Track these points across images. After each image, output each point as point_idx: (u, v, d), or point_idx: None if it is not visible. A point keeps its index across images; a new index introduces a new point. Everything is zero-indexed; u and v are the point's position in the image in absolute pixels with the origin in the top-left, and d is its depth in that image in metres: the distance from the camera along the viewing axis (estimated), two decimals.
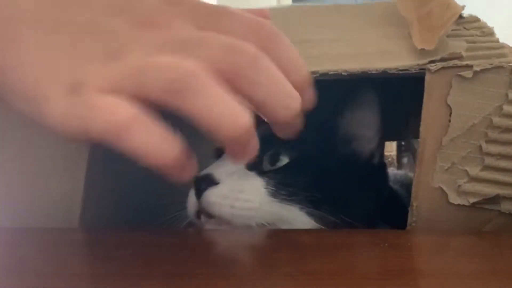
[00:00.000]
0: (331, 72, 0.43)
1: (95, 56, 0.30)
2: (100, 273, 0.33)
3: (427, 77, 0.43)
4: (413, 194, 0.44)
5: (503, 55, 0.42)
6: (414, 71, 0.43)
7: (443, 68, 0.42)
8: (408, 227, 0.44)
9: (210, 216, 0.46)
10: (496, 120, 0.42)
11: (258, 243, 0.41)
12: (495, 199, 0.43)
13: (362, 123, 0.50)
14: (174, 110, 0.29)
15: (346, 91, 0.49)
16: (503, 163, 0.42)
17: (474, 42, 0.43)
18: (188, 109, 0.29)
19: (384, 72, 0.43)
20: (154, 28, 0.31)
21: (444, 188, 0.43)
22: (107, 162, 0.48)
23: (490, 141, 0.42)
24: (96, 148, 0.46)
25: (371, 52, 0.43)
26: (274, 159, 0.48)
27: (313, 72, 0.43)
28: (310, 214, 0.46)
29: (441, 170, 0.43)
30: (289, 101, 0.31)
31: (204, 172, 0.47)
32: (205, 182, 0.46)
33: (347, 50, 0.44)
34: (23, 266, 0.34)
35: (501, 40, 0.43)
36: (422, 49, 0.42)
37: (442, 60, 0.42)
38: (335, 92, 0.48)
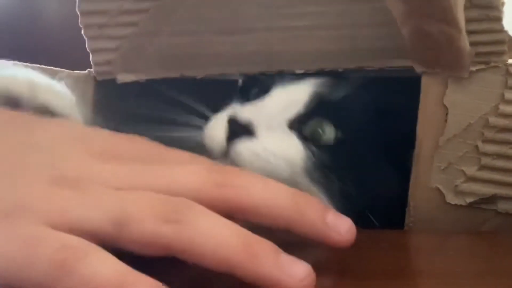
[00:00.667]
0: (327, 69, 0.44)
1: (41, 179, 0.25)
2: None
3: (424, 77, 0.43)
4: (410, 194, 0.44)
5: (501, 53, 0.41)
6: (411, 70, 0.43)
7: None
8: (405, 228, 0.44)
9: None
10: (493, 120, 0.42)
11: None
12: (492, 199, 0.43)
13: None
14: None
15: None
16: (499, 163, 0.42)
17: (476, 32, 0.41)
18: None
19: (381, 70, 0.43)
20: (111, 159, 0.28)
21: (441, 188, 0.43)
22: None
23: (487, 141, 0.42)
24: None
25: (366, 49, 0.43)
26: (318, 129, 0.44)
27: (309, 71, 0.43)
28: (331, 202, 0.43)
29: (437, 170, 0.43)
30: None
31: (243, 116, 0.43)
32: (242, 129, 0.43)
33: (340, 45, 0.43)
34: None
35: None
36: None
37: None
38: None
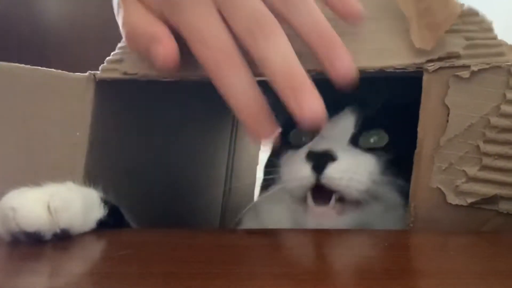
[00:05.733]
0: None
1: None
2: (100, 273, 0.33)
3: (425, 77, 0.43)
4: (411, 194, 0.44)
5: (501, 54, 0.42)
6: (412, 70, 0.43)
7: (440, 68, 0.42)
8: (406, 227, 0.44)
9: (320, 196, 0.48)
10: (494, 120, 0.42)
11: (258, 243, 0.41)
12: (493, 199, 0.43)
13: None
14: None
15: None
16: (501, 163, 0.42)
17: (472, 39, 0.42)
18: (257, 51, 0.37)
19: (381, 70, 0.43)
20: None
21: (442, 188, 0.43)
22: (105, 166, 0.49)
23: (488, 141, 0.42)
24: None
25: (370, 49, 0.43)
26: (370, 139, 0.51)
27: (311, 70, 0.43)
28: (402, 195, 0.48)
29: (438, 170, 0.43)
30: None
31: (320, 147, 0.49)
32: (324, 158, 0.48)
33: (347, 47, 0.44)
34: (23, 265, 0.34)
35: (500, 38, 0.43)
36: (420, 48, 0.42)
37: (440, 59, 0.42)
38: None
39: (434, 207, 0.43)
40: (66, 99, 0.47)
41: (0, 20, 0.91)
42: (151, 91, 0.51)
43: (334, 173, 0.48)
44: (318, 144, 0.50)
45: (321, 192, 0.49)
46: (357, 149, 0.51)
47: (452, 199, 0.43)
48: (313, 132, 0.52)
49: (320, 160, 0.48)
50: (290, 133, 0.56)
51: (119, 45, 0.48)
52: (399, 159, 0.49)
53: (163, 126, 0.58)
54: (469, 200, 0.43)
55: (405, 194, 0.47)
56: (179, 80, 0.46)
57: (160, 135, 0.58)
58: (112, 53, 0.48)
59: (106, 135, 0.49)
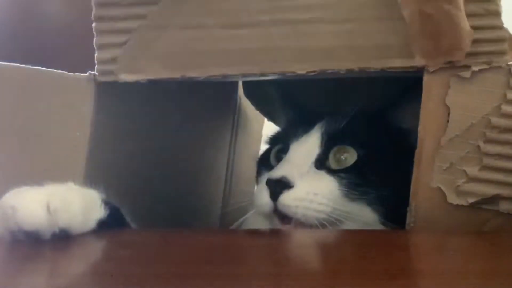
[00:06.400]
0: (330, 71, 0.43)
1: None
2: (100, 273, 0.33)
3: (426, 77, 0.43)
4: (411, 194, 0.44)
5: (502, 52, 0.41)
6: (412, 71, 0.43)
7: (441, 68, 0.42)
8: (406, 227, 0.44)
9: (284, 216, 0.48)
10: (495, 120, 0.42)
11: (258, 243, 0.41)
12: (494, 199, 0.43)
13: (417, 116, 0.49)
14: None
15: (402, 84, 0.49)
16: (501, 163, 0.42)
17: (477, 28, 0.41)
18: None
19: (382, 71, 0.43)
20: None
21: (443, 188, 0.43)
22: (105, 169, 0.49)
23: (489, 141, 0.42)
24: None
25: (368, 47, 0.43)
26: (340, 156, 0.50)
27: (311, 71, 0.43)
28: (375, 210, 0.48)
29: (439, 170, 0.43)
30: None
31: (277, 174, 0.48)
32: (280, 185, 0.48)
33: (343, 41, 0.43)
34: (23, 265, 0.34)
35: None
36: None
37: None
38: (391, 86, 0.49)
39: (434, 207, 0.43)
40: (66, 99, 0.47)
41: (0, 20, 0.91)
42: (151, 91, 0.51)
43: (288, 201, 0.47)
44: (278, 170, 0.49)
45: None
46: (322, 171, 0.50)
47: (453, 199, 0.43)
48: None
49: (276, 187, 0.48)
50: (271, 151, 0.56)
51: (94, 25, 0.47)
52: (371, 176, 0.49)
53: (163, 126, 0.58)
54: (470, 200, 0.43)
55: (380, 210, 0.48)
56: (179, 80, 0.46)
57: (160, 135, 0.58)
58: (97, 44, 0.47)
59: (106, 135, 0.48)
